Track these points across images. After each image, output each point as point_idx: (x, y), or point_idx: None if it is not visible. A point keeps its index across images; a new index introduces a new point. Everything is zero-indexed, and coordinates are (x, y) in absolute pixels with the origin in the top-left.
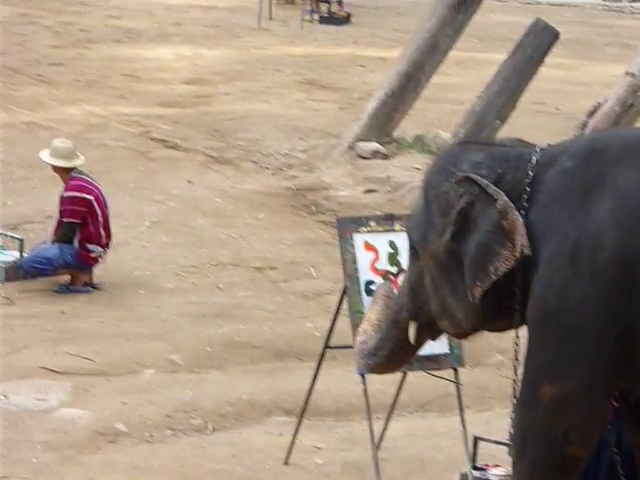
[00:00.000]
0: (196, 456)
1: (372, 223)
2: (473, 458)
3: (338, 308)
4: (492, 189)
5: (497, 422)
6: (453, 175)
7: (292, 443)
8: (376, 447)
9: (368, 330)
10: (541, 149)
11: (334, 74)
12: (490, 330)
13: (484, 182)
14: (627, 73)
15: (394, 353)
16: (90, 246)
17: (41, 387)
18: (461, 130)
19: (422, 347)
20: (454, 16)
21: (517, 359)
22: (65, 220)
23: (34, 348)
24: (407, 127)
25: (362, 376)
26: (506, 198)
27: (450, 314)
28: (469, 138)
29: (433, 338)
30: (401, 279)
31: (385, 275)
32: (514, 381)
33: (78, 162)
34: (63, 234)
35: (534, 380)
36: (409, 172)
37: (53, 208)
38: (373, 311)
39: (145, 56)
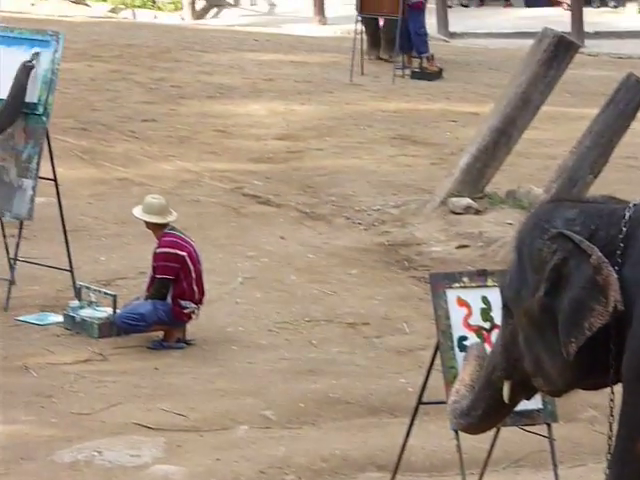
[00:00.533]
0: None
1: (465, 279)
2: None
3: (431, 364)
4: (586, 245)
5: (590, 477)
6: (546, 232)
7: None
8: None
9: (461, 390)
10: (634, 205)
11: (426, 129)
12: (585, 388)
13: (578, 238)
14: None
15: (488, 413)
16: (183, 302)
17: (135, 443)
18: (553, 185)
19: (516, 406)
20: (546, 71)
21: (612, 415)
22: (158, 276)
23: (127, 404)
24: (499, 182)
25: (455, 432)
26: (600, 253)
27: (544, 372)
28: (562, 194)
29: (528, 397)
30: (494, 335)
31: (478, 331)
32: (609, 437)
33: (171, 218)
34: (156, 290)
35: (629, 436)
36: (501, 227)
37: (146, 264)
38: (466, 371)
39: (237, 112)
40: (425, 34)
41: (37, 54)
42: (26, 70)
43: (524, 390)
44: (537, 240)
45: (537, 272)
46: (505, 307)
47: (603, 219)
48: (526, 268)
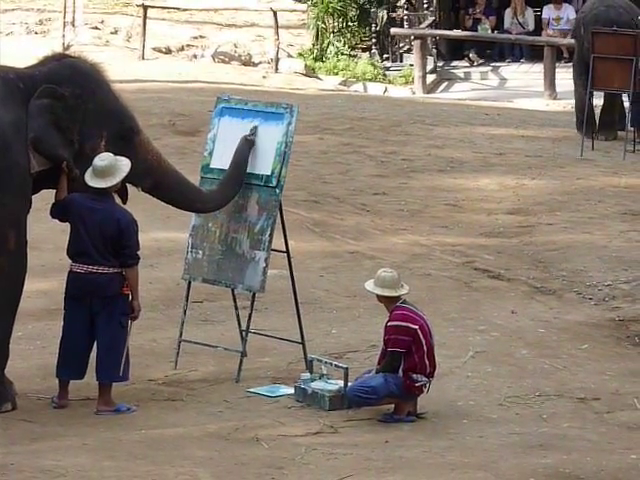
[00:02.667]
0: None
1: None
2: None
3: None
4: None
5: None
6: None
7: None
8: None
9: None
10: None
11: None
12: None
13: None
14: None
15: None
16: (415, 376)
17: None
18: None
19: None
20: None
21: None
22: (390, 349)
23: (359, 477)
24: None
25: None
26: None
27: None
28: None
29: None
30: None
31: None
32: None
33: (403, 291)
34: (388, 363)
35: None
36: None
37: (377, 337)
38: None
39: (468, 186)
40: None
41: (256, 127)
42: (248, 144)
43: None
44: None
45: None
46: None
47: None
48: None
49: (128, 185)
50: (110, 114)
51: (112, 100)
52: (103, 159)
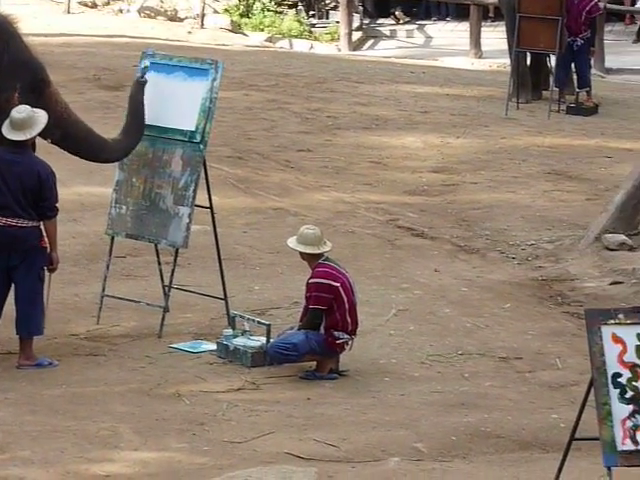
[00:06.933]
0: None
1: (620, 316)
2: None
3: (585, 400)
4: None
5: None
6: None
7: None
8: None
9: None
10: None
11: (581, 165)
12: None
13: None
14: None
15: None
16: (336, 333)
17: (286, 473)
18: None
19: None
20: None
21: None
22: (311, 307)
23: (279, 434)
24: None
25: (608, 469)
26: None
27: None
28: None
29: None
30: None
31: (632, 368)
32: None
33: (325, 249)
34: (309, 321)
35: None
36: None
37: (300, 294)
38: None
39: (392, 144)
40: (591, 67)
41: (146, 68)
42: (140, 87)
43: None
44: None
45: None
46: None
47: None
48: None
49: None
50: (23, 66)
51: (25, 52)
52: (21, 111)
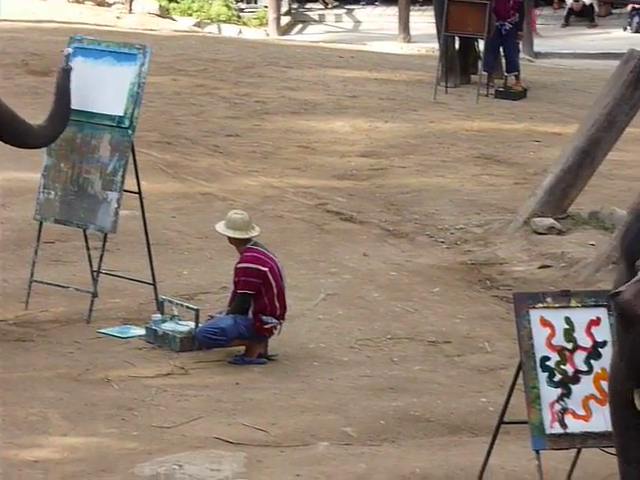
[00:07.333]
0: None
1: (548, 299)
2: None
3: (514, 383)
4: None
5: None
6: None
7: None
8: None
9: None
10: None
11: (509, 149)
12: None
13: None
14: None
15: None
16: (264, 317)
17: (215, 458)
18: (637, 208)
19: None
20: (632, 93)
21: None
22: (239, 291)
23: (208, 418)
24: (582, 203)
25: (536, 452)
26: None
27: None
28: None
29: None
30: (577, 356)
31: (560, 351)
32: None
33: (254, 233)
34: (237, 305)
35: None
36: (584, 248)
37: (228, 279)
38: None
39: (321, 128)
40: (519, 51)
41: (69, 54)
42: (66, 74)
43: None
44: None
45: None
46: (622, 317)
47: None
48: None
49: None
50: None
51: None
52: None
